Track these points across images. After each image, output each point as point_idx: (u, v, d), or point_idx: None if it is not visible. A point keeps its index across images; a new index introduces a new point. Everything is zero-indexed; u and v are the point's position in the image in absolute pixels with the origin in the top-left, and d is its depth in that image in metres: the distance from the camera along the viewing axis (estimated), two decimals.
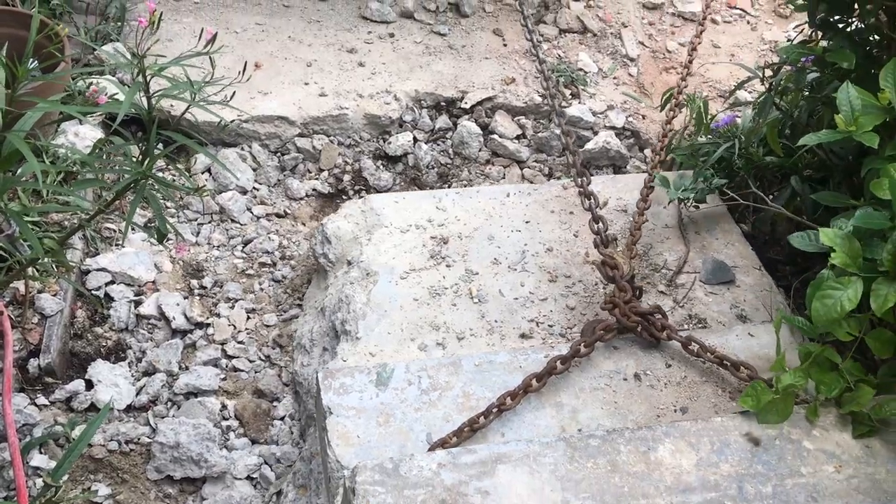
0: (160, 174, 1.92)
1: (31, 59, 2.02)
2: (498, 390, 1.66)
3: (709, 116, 2.39)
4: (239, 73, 1.76)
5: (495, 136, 2.88)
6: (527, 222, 2.24)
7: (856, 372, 1.51)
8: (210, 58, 1.69)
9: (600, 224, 2.01)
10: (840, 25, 1.76)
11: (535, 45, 2.73)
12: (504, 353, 1.79)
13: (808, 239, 1.58)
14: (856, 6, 1.71)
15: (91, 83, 2.51)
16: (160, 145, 1.94)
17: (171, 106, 2.61)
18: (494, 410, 1.61)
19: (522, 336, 1.96)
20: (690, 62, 2.53)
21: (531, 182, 2.81)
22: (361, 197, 2.54)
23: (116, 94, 2.55)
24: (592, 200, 2.09)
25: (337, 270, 2.22)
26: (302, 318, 2.32)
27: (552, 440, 1.51)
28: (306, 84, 2.94)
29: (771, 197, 2.13)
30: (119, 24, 2.86)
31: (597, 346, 1.76)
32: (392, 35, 3.19)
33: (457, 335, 1.94)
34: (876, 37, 1.77)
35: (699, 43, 2.61)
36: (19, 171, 1.70)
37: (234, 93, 1.75)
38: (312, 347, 2.12)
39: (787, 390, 1.50)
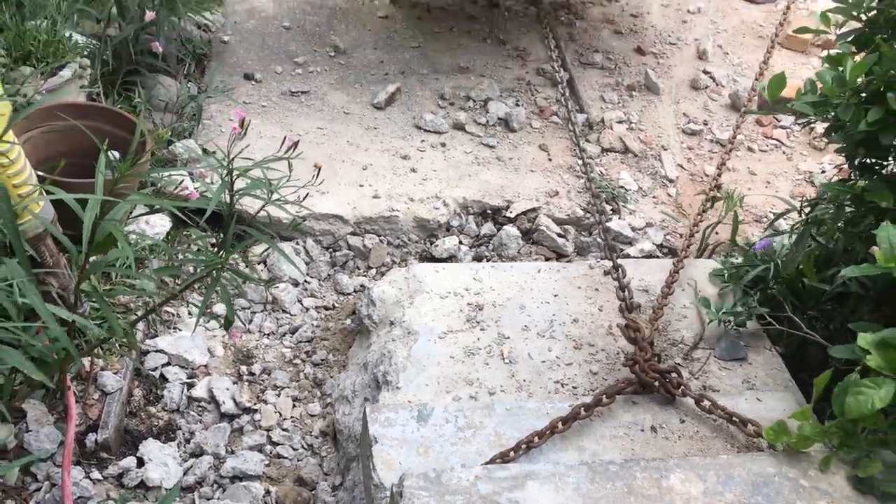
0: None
1: (121, 155, 2.20)
2: (526, 432, 1.85)
3: (741, 236, 2.53)
4: (312, 177, 1.91)
5: (543, 228, 3.04)
6: (555, 295, 2.44)
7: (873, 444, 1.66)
8: (289, 162, 1.85)
9: (626, 291, 2.26)
10: (877, 167, 1.89)
11: (585, 162, 2.91)
12: (533, 401, 2.00)
13: (847, 350, 1.71)
14: (892, 150, 1.84)
15: (171, 177, 2.69)
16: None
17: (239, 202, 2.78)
18: (523, 447, 1.80)
19: (549, 395, 2.12)
20: (720, 174, 2.92)
21: None
22: (405, 265, 2.71)
23: (199, 187, 2.73)
24: (620, 272, 2.34)
25: (380, 330, 2.42)
26: (344, 373, 2.49)
27: (576, 464, 1.72)
28: (361, 186, 3.11)
29: (804, 317, 2.21)
30: (195, 122, 3.07)
31: (617, 399, 1.96)
32: (444, 144, 3.38)
33: (488, 390, 2.12)
34: None
35: (728, 159, 2.91)
36: (108, 255, 1.83)
37: (307, 194, 1.90)
38: (354, 398, 2.31)
39: (803, 438, 1.70)
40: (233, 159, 1.73)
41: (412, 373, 2.14)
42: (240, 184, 1.80)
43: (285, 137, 1.86)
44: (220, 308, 2.67)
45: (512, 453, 1.79)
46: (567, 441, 1.87)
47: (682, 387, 1.97)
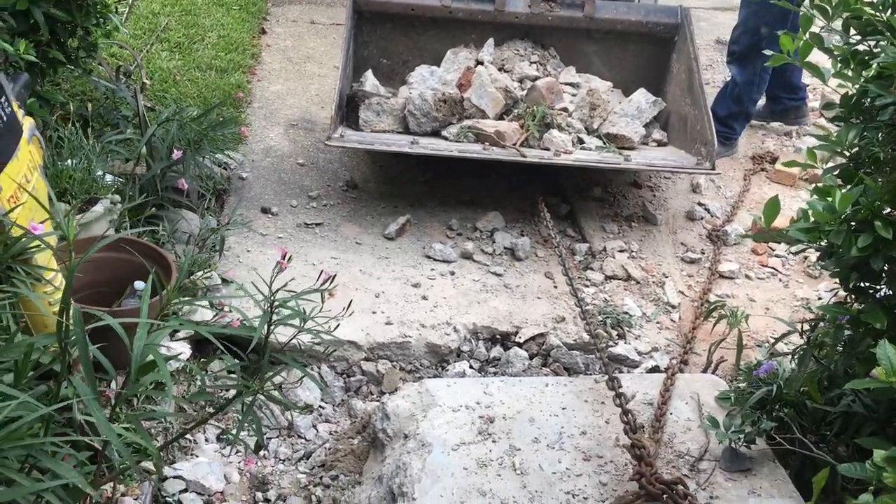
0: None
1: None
2: None
3: (745, 360, 2.63)
4: (343, 308, 2.02)
5: (559, 346, 3.15)
6: (563, 408, 2.53)
7: None
8: (322, 295, 1.97)
9: (629, 416, 2.38)
10: (870, 291, 2.01)
11: (575, 290, 3.09)
12: None
13: (856, 469, 1.75)
14: (883, 275, 1.97)
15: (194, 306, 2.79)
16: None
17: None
18: None
19: None
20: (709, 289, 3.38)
21: None
22: (417, 380, 2.82)
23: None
24: (622, 399, 2.45)
25: (394, 443, 2.48)
26: (359, 487, 2.51)
27: None
28: (374, 313, 3.22)
29: (813, 439, 2.26)
30: (217, 253, 3.21)
31: None
32: (453, 273, 3.51)
33: (501, 501, 2.18)
34: None
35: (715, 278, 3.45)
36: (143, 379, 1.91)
37: (337, 325, 2.00)
38: None
39: None
40: (276, 291, 1.84)
41: (427, 484, 2.21)
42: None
43: (322, 272, 1.99)
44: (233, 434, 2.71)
45: None
46: None
47: (689, 497, 2.08)
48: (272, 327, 1.84)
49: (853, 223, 1.91)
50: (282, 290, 1.82)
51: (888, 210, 1.89)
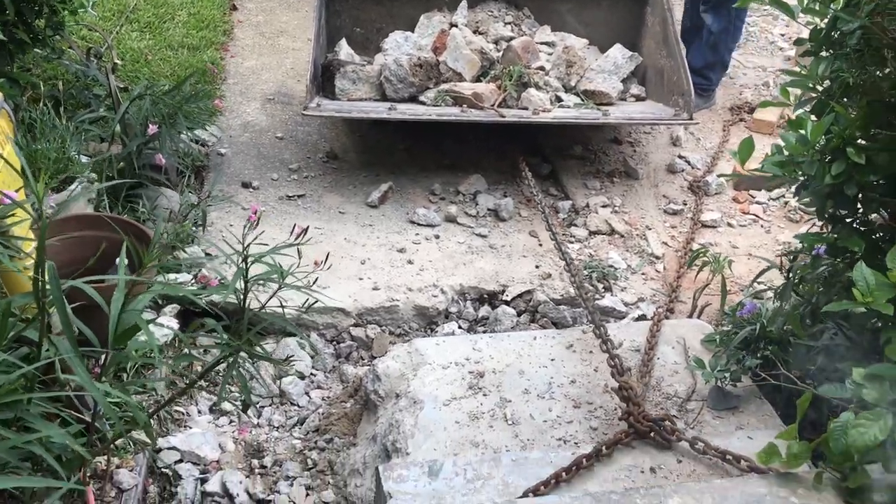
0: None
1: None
2: (533, 480, 1.99)
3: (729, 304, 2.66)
4: (321, 262, 2.02)
5: (546, 301, 3.17)
6: (552, 360, 2.56)
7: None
8: (298, 249, 1.96)
9: (616, 360, 2.41)
10: (847, 220, 2.02)
11: (559, 245, 3.11)
12: (537, 451, 2.15)
13: (836, 389, 1.78)
14: (859, 203, 1.98)
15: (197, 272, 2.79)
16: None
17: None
18: (530, 495, 1.95)
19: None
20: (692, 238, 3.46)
21: None
22: (406, 341, 2.83)
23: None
24: (609, 344, 2.49)
25: (387, 403, 2.50)
26: (354, 449, 2.55)
27: (580, 494, 1.89)
28: (360, 279, 3.22)
29: (798, 375, 2.29)
30: (200, 228, 3.20)
31: (618, 447, 2.12)
32: (437, 237, 3.51)
33: (494, 450, 2.21)
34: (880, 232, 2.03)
35: (697, 227, 3.58)
36: (127, 347, 1.91)
37: (316, 279, 2.00)
38: (365, 470, 2.37)
39: (793, 456, 1.83)
40: (248, 246, 1.84)
41: (420, 439, 2.23)
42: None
43: (294, 225, 1.99)
44: (227, 406, 2.72)
45: (518, 500, 1.93)
46: (572, 487, 2.00)
47: (676, 432, 2.13)
48: (249, 284, 1.84)
49: (826, 153, 1.92)
50: (255, 243, 1.81)
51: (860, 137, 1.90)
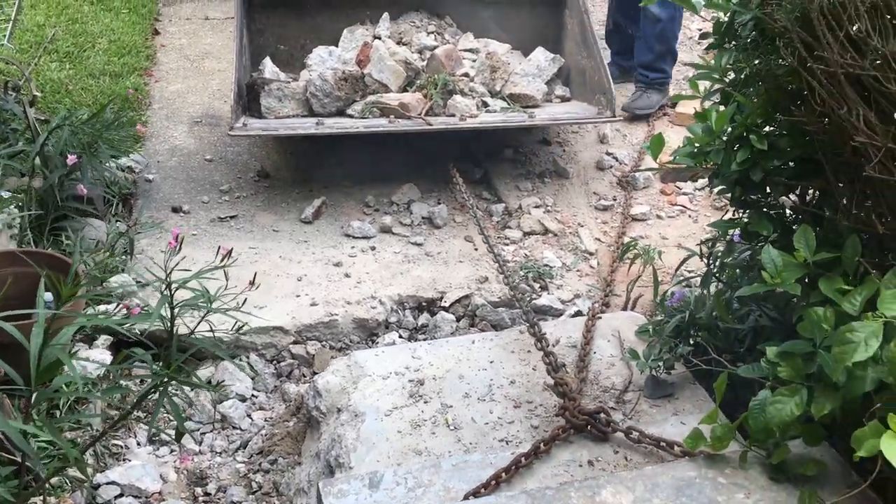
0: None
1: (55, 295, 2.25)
2: (474, 483, 2.01)
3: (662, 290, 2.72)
4: (249, 283, 2.01)
5: (486, 305, 3.21)
6: (491, 362, 2.58)
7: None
8: (224, 271, 1.95)
9: (550, 356, 2.45)
10: (758, 203, 2.10)
11: (492, 248, 3.16)
12: (477, 454, 2.16)
13: (753, 369, 1.87)
14: (766, 188, 2.06)
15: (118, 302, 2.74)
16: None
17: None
18: (471, 498, 1.96)
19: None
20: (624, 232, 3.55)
21: None
22: (346, 354, 2.83)
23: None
24: (543, 342, 2.53)
25: (329, 419, 2.49)
26: (299, 468, 2.53)
27: (516, 493, 1.90)
28: (298, 296, 3.21)
29: (728, 358, 2.35)
30: (126, 257, 3.15)
31: (556, 443, 2.16)
32: (373, 248, 3.52)
33: (437, 456, 2.23)
34: (788, 211, 2.11)
35: (628, 221, 3.68)
36: (53, 383, 1.87)
37: (245, 300, 1.99)
38: (310, 488, 2.36)
39: (717, 438, 1.89)
40: (170, 272, 1.83)
41: (363, 452, 2.23)
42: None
43: (219, 247, 1.97)
44: (165, 435, 2.68)
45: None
46: (513, 486, 2.02)
47: (612, 424, 2.18)
48: (176, 310, 1.83)
49: (732, 142, 1.99)
50: (178, 269, 1.80)
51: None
